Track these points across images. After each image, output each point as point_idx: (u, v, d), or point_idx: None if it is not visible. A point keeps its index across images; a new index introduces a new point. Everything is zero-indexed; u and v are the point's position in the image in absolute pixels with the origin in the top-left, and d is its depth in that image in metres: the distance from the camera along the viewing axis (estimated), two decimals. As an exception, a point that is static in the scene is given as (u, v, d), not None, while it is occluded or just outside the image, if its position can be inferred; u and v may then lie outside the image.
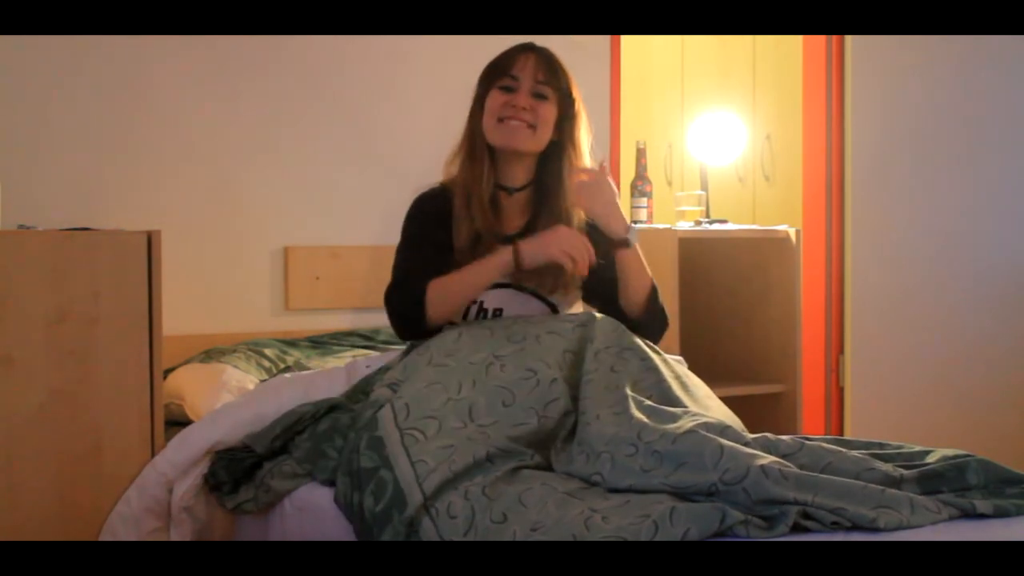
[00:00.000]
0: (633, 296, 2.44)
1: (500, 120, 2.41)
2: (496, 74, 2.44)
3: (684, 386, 2.33)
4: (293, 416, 2.41)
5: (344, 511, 2.15)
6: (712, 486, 1.90)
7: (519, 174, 2.48)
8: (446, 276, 2.36)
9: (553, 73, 2.44)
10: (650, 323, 2.46)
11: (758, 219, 4.69)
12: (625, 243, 2.40)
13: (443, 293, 2.35)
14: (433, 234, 2.43)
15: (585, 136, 2.49)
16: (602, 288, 2.48)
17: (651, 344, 2.41)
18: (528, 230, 2.45)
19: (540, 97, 2.42)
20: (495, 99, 2.43)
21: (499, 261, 2.35)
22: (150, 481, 2.45)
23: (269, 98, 3.34)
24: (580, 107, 2.48)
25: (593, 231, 2.43)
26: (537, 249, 2.34)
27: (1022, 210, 4.48)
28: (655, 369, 2.30)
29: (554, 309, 2.50)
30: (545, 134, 2.44)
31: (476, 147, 2.46)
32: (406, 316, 2.38)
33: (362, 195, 3.43)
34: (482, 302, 2.44)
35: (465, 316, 2.45)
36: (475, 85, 2.50)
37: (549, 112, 2.43)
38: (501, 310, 2.45)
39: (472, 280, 2.36)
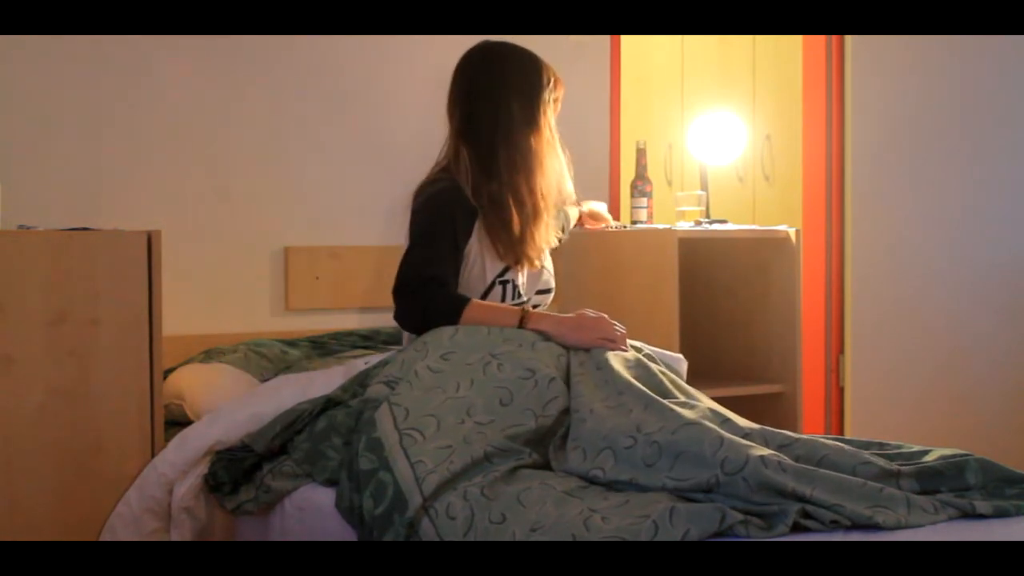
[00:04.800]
0: None
1: None
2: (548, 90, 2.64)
3: (674, 382, 2.36)
4: (291, 415, 2.41)
5: (345, 516, 2.14)
6: (712, 477, 1.91)
7: None
8: (481, 307, 2.45)
9: None
10: None
11: (758, 219, 4.69)
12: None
13: (474, 318, 2.42)
14: (450, 230, 2.51)
15: None
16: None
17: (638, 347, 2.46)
18: None
19: None
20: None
21: (529, 325, 2.44)
22: (150, 482, 2.45)
23: (269, 98, 3.34)
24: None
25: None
26: (572, 334, 2.40)
27: (1022, 210, 4.47)
28: (643, 366, 2.33)
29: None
30: None
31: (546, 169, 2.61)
32: (434, 320, 2.43)
33: (362, 195, 3.43)
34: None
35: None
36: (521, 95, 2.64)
37: None
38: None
39: (496, 320, 2.43)
